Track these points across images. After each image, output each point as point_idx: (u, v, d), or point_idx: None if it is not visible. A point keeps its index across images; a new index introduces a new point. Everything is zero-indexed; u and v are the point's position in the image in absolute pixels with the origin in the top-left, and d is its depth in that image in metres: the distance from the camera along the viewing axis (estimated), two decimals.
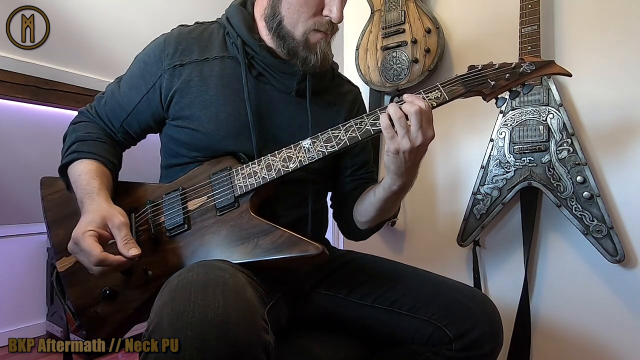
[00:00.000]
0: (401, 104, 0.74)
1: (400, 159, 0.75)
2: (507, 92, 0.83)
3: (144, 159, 1.16)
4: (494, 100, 0.82)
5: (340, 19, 0.84)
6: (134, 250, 0.69)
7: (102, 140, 0.88)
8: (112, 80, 0.94)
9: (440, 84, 0.78)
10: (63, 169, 0.84)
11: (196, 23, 0.92)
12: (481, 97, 0.81)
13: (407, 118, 0.73)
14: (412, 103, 0.73)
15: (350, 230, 0.99)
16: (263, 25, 0.87)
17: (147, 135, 0.95)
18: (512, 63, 0.81)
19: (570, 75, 0.84)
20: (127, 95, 0.88)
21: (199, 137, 0.83)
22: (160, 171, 0.95)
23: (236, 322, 0.53)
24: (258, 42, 0.86)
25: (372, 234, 0.98)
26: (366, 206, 0.91)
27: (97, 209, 0.73)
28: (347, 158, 0.98)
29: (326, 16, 0.83)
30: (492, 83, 0.79)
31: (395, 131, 0.73)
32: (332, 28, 0.86)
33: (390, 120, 0.73)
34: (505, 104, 1.35)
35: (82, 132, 0.87)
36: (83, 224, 0.70)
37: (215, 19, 0.93)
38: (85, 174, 0.80)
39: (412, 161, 0.76)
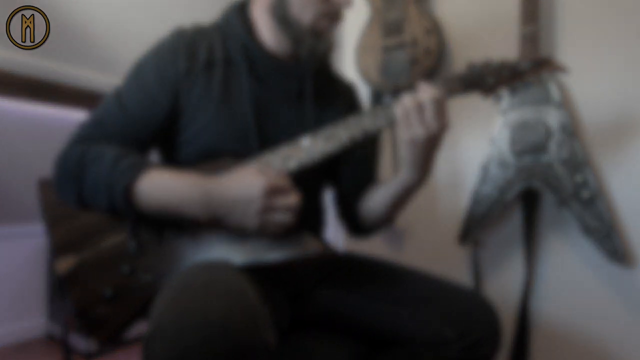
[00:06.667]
0: (415, 93, 0.74)
1: (416, 148, 0.75)
2: (506, 90, 0.84)
3: None
4: (493, 100, 0.82)
5: (351, 4, 0.83)
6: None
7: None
8: (109, 81, 0.91)
9: (439, 82, 0.79)
10: (125, 192, 0.71)
11: (194, 26, 0.90)
12: (480, 95, 0.82)
13: (421, 107, 0.73)
14: (428, 91, 0.74)
15: (354, 228, 0.99)
16: (266, 20, 0.86)
17: None
18: (510, 61, 0.82)
19: (565, 71, 0.85)
20: (145, 109, 0.81)
21: (198, 140, 0.83)
22: None
23: (238, 323, 0.53)
24: (258, 46, 0.85)
25: (377, 232, 0.98)
26: (377, 203, 0.91)
27: (238, 173, 0.73)
28: (346, 155, 0.97)
29: (336, 2, 0.83)
30: (491, 81, 0.80)
31: (411, 120, 0.73)
32: (339, 15, 0.86)
33: (405, 109, 0.73)
34: (505, 103, 1.36)
35: (114, 152, 0.75)
36: (253, 180, 0.70)
37: (213, 21, 0.92)
38: (170, 176, 0.73)
39: (428, 150, 0.76)
